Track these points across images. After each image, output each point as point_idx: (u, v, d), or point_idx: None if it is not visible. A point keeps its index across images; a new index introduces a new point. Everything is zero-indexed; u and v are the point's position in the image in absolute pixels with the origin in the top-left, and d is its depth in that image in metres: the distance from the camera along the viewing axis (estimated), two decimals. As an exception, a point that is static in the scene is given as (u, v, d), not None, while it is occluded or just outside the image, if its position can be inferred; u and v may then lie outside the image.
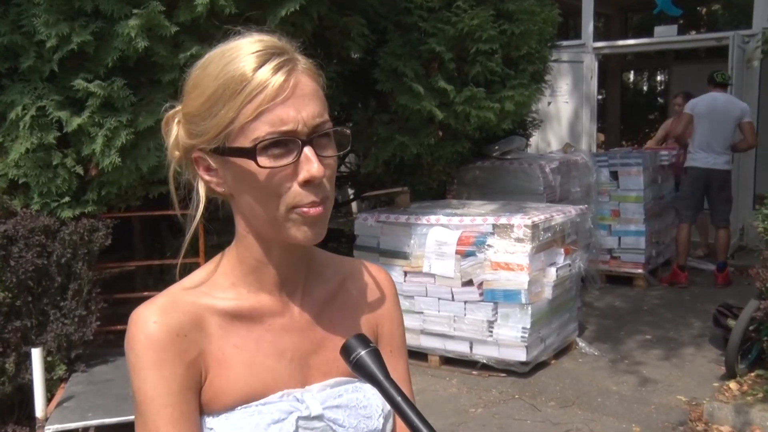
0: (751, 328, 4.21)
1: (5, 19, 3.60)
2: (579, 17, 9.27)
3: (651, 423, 3.88)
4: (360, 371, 0.84)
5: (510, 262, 4.42)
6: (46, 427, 3.23)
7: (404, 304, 4.53)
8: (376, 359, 0.83)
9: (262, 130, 0.83)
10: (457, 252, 4.52)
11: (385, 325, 1.05)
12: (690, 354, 4.94)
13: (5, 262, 3.57)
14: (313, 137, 0.85)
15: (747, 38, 7.87)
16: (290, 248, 0.92)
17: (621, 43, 9.79)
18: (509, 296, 4.44)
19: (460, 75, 5.36)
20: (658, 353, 4.97)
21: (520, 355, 4.47)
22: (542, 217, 4.59)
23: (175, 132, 0.92)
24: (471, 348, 4.63)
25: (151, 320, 0.87)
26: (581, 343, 5.07)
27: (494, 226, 4.54)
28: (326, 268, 1.02)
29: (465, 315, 4.57)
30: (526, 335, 4.41)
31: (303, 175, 0.84)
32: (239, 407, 0.89)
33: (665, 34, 8.71)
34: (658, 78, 16.46)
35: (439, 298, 4.65)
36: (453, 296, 4.59)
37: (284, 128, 0.83)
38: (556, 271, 4.63)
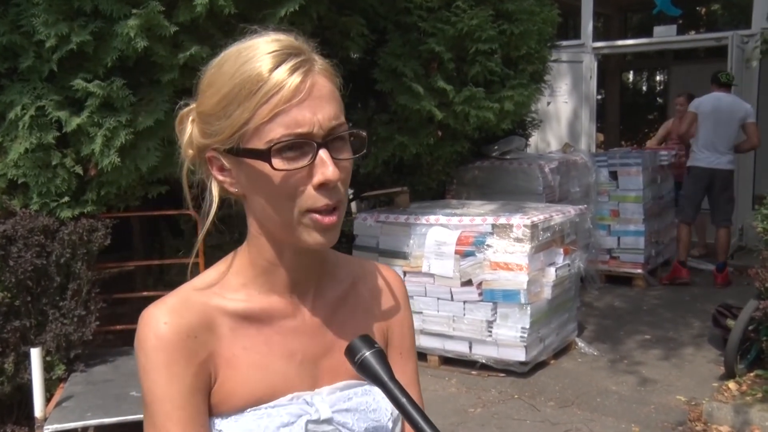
0: (750, 328, 4.21)
1: (4, 18, 3.59)
2: (578, 17, 9.26)
3: (650, 423, 3.88)
4: (365, 372, 0.83)
5: (509, 262, 4.42)
6: (45, 427, 3.22)
7: (403, 304, 4.52)
8: (380, 360, 0.83)
9: (277, 132, 0.81)
10: (456, 252, 4.52)
11: (396, 327, 1.04)
12: (689, 354, 4.94)
13: (4, 262, 3.57)
14: (328, 140, 0.84)
15: (746, 38, 7.86)
16: (302, 251, 0.90)
17: (620, 43, 9.79)
18: (508, 296, 4.44)
19: (459, 75, 5.36)
20: (657, 353, 4.97)
21: (520, 355, 4.47)
22: (541, 217, 4.59)
23: (189, 130, 0.91)
24: (470, 348, 4.63)
25: (161, 321, 0.86)
26: (580, 343, 5.07)
27: (493, 226, 4.54)
28: (338, 269, 1.01)
29: (464, 315, 4.57)
30: (526, 335, 4.42)
31: (318, 178, 0.83)
32: (248, 409, 0.88)
33: (664, 34, 8.70)
34: (658, 78, 16.46)
35: (438, 298, 4.65)
36: (452, 296, 4.59)
37: (300, 130, 0.82)
38: (556, 271, 4.63)
